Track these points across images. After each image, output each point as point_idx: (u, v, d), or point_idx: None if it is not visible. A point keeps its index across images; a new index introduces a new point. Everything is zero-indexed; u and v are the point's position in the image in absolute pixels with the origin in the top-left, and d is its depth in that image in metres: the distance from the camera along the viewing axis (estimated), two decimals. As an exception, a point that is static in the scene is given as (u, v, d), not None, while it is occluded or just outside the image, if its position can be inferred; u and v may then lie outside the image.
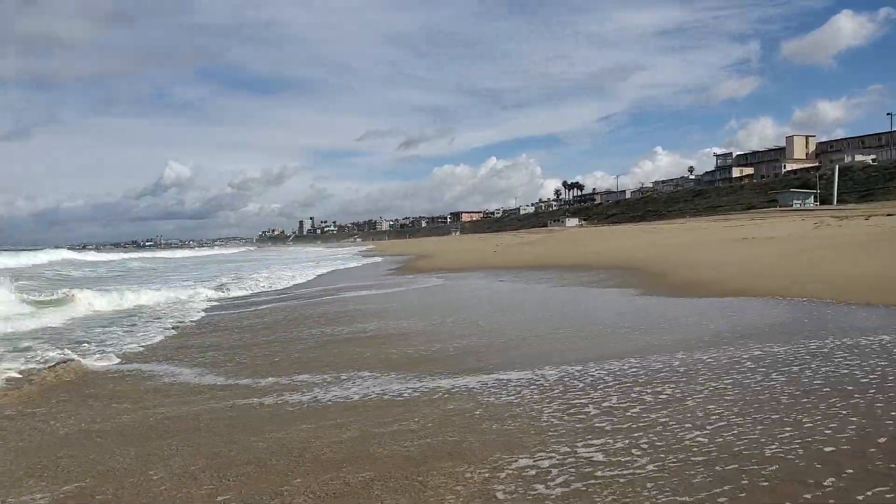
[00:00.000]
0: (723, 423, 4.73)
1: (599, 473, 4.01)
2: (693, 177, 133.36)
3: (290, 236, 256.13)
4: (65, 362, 8.31)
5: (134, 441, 5.31)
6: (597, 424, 4.95)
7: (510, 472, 4.14)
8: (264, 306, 15.48)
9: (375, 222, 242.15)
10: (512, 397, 5.86)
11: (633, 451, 4.33)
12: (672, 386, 5.83)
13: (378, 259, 44.02)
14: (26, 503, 4.11)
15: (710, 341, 7.64)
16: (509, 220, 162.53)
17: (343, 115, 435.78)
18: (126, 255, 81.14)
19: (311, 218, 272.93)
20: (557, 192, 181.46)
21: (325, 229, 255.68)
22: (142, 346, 9.95)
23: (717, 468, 3.93)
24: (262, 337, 10.46)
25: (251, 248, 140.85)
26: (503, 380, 6.49)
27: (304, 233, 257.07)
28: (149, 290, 18.53)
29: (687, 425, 4.77)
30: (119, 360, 8.83)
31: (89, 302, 15.35)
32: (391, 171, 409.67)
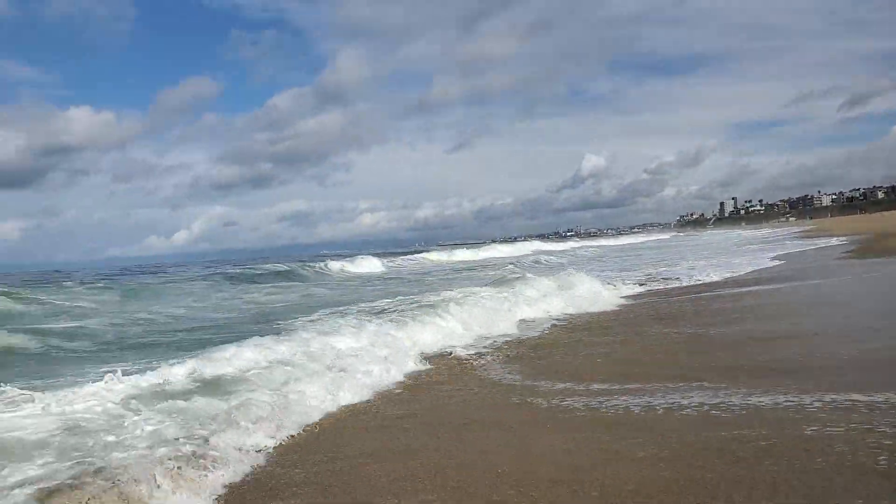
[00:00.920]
0: None
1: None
2: None
3: (710, 219, 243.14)
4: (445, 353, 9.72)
5: (382, 428, 5.98)
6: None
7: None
8: (654, 300, 15.12)
9: (812, 198, 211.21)
10: (839, 427, 4.76)
11: None
12: None
13: (820, 242, 37.63)
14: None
15: None
16: None
17: (766, 82, 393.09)
18: (574, 245, 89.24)
19: (732, 198, 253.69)
20: None
21: (750, 209, 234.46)
22: (512, 337, 10.91)
23: None
24: (610, 336, 10.46)
25: (669, 235, 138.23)
26: (859, 403, 5.30)
27: (726, 214, 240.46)
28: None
29: None
30: (481, 349, 9.91)
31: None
32: (831, 137, 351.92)
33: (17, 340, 11.95)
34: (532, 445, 5.24)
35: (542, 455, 4.96)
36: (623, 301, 15.17)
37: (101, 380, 6.61)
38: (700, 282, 19.05)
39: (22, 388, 6.45)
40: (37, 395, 6.27)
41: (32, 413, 5.93)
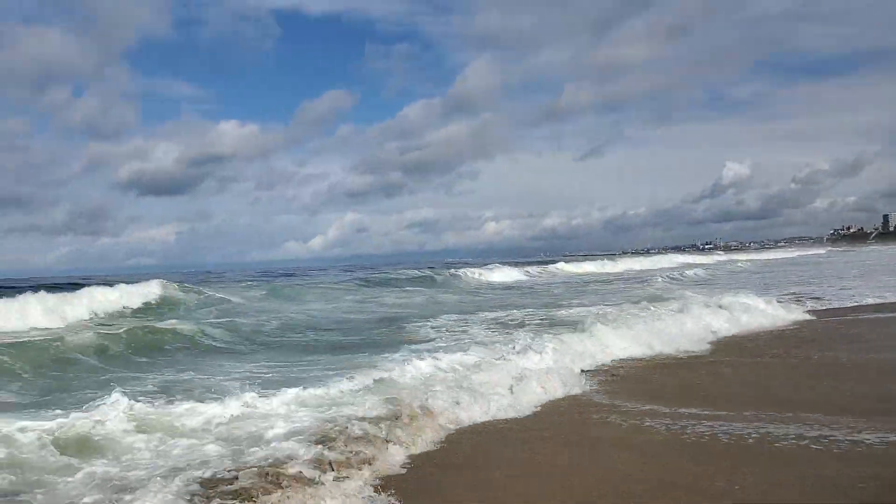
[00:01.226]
0: None
1: None
2: None
3: (870, 234, 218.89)
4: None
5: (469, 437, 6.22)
6: None
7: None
8: (795, 322, 14.06)
9: None
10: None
11: None
12: None
13: None
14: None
15: None
16: None
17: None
18: (720, 258, 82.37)
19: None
20: None
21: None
22: (633, 357, 10.65)
23: None
24: (728, 357, 10.04)
25: (823, 250, 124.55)
26: None
27: (891, 228, 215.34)
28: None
29: None
30: (597, 367, 9.86)
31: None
32: None
33: (181, 326, 13.71)
34: (600, 465, 5.28)
35: (605, 476, 5.01)
36: (761, 322, 13.98)
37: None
38: (857, 303, 17.28)
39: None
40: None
41: (198, 408, 6.58)
